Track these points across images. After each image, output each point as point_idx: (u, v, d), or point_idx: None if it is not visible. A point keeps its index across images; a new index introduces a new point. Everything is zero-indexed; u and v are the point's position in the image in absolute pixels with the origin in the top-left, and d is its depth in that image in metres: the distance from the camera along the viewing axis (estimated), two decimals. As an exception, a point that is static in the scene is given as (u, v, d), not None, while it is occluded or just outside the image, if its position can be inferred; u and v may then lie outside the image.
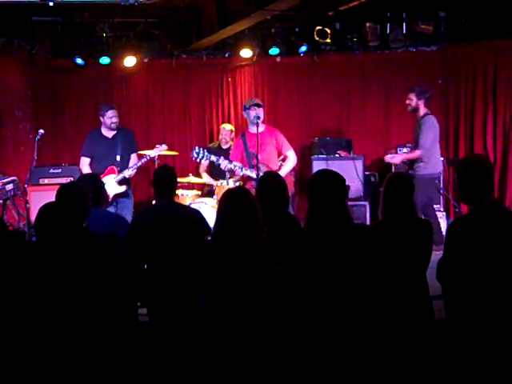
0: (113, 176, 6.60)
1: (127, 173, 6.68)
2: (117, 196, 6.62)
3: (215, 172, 7.54)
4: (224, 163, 6.09)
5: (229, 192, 3.56)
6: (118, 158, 6.77)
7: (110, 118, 6.81)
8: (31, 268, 3.04)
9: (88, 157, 6.83)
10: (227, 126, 8.11)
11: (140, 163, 6.79)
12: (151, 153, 6.96)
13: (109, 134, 6.88)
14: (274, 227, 3.65)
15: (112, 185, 6.52)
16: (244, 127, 7.44)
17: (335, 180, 3.03)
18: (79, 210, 3.77)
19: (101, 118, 6.83)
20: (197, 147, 6.47)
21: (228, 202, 3.37)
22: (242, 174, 6.14)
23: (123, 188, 6.63)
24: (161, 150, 7.03)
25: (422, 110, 6.76)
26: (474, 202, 3.39)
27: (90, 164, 6.85)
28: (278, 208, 3.99)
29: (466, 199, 3.47)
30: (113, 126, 6.82)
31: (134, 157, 6.89)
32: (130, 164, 6.80)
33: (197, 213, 4.43)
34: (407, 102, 6.82)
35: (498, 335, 3.22)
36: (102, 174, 6.54)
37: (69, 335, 2.87)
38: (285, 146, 6.37)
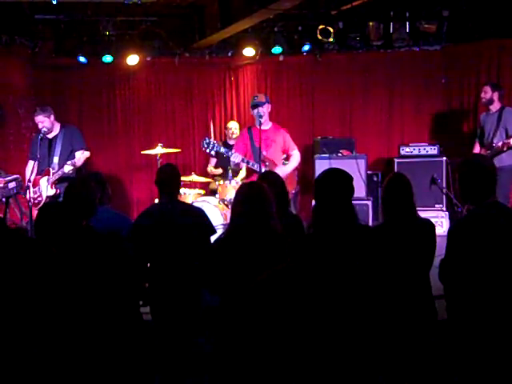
0: (46, 178, 6.42)
1: (66, 168, 6.26)
2: (56, 198, 6.37)
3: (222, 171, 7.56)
4: (235, 155, 6.08)
5: (244, 186, 3.55)
6: (56, 159, 6.50)
7: (37, 123, 6.58)
8: (32, 265, 3.04)
9: (32, 159, 6.52)
10: (235, 124, 8.09)
11: (72, 167, 6.29)
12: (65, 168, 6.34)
13: (49, 134, 6.64)
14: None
15: (44, 187, 6.38)
16: (246, 126, 7.44)
17: (344, 179, 3.01)
18: (86, 209, 3.77)
19: None
20: (207, 138, 6.38)
21: (244, 197, 3.36)
22: (250, 166, 6.12)
23: (53, 191, 6.35)
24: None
25: (498, 103, 6.91)
26: (475, 202, 3.38)
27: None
28: (277, 208, 3.98)
29: (468, 199, 3.46)
30: (43, 130, 6.51)
31: (79, 154, 6.47)
32: (77, 162, 6.40)
33: (200, 212, 4.42)
34: (482, 94, 7.03)
35: (500, 335, 3.21)
36: (41, 175, 6.45)
37: (71, 333, 2.87)
38: (291, 145, 6.41)
